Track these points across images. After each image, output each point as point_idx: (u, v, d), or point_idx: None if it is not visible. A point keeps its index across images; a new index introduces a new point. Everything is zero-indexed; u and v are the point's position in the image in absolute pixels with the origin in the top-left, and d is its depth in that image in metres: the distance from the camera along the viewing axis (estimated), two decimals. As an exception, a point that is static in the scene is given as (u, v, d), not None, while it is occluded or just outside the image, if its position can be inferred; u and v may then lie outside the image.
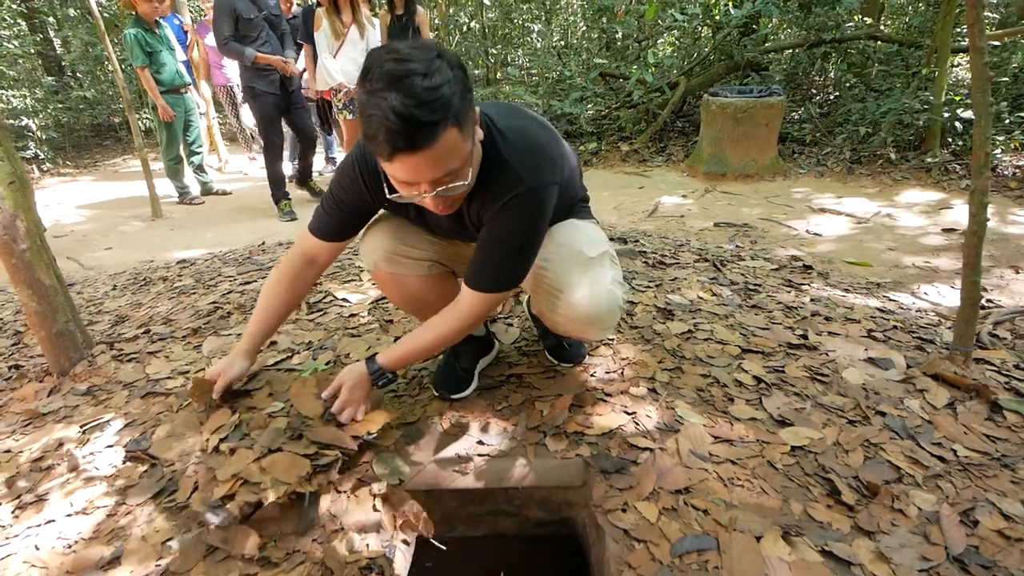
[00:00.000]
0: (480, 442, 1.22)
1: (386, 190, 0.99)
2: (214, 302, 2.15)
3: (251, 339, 1.26)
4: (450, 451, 1.20)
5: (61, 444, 1.26)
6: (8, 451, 1.26)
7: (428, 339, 1.14)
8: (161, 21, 4.14)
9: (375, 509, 1.05)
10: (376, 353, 1.17)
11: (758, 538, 0.96)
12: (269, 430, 1.11)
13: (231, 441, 1.11)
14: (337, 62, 3.98)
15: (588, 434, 1.23)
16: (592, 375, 1.45)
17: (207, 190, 4.68)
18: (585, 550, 1.18)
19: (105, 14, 4.41)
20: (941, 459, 1.17)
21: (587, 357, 1.51)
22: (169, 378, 1.53)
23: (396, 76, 0.78)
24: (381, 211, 1.23)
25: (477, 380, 1.41)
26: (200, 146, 4.61)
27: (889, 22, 7.17)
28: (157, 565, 0.95)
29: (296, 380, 1.30)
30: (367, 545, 0.98)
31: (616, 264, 1.23)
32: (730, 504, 1.03)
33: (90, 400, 1.45)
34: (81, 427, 1.32)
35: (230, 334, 1.80)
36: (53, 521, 1.05)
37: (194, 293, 2.35)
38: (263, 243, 3.29)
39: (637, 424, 1.26)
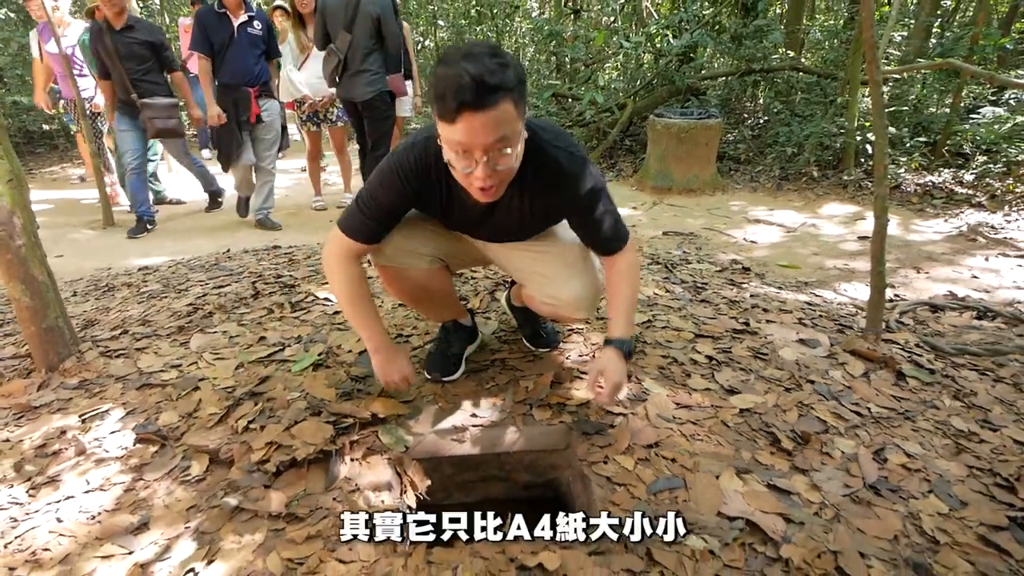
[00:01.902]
0: (473, 415, 1.36)
1: (440, 203, 1.17)
2: (191, 304, 2.17)
3: (381, 332, 1.31)
4: (447, 423, 1.33)
5: (63, 432, 1.30)
6: (7, 440, 1.28)
7: (633, 296, 1.30)
8: None
9: (386, 471, 1.17)
10: (611, 338, 1.27)
11: (717, 476, 1.15)
12: (291, 409, 1.22)
13: (259, 422, 1.20)
14: (302, 74, 4.05)
15: (569, 404, 1.39)
16: (567, 357, 1.62)
17: (160, 199, 4.57)
18: (569, 510, 1.33)
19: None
20: (858, 414, 1.41)
21: (561, 343, 1.68)
22: (162, 371, 1.57)
23: (470, 53, 0.94)
24: None
25: (465, 365, 1.55)
26: (155, 155, 4.51)
27: (810, 55, 7.94)
28: (187, 527, 1.02)
29: (307, 375, 1.40)
30: (382, 501, 1.09)
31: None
32: (693, 453, 1.22)
33: (83, 393, 1.47)
34: (80, 417, 1.36)
35: (216, 331, 1.84)
36: (72, 497, 1.10)
37: (165, 297, 2.36)
38: (228, 250, 3.28)
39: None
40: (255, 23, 3.63)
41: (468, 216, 1.25)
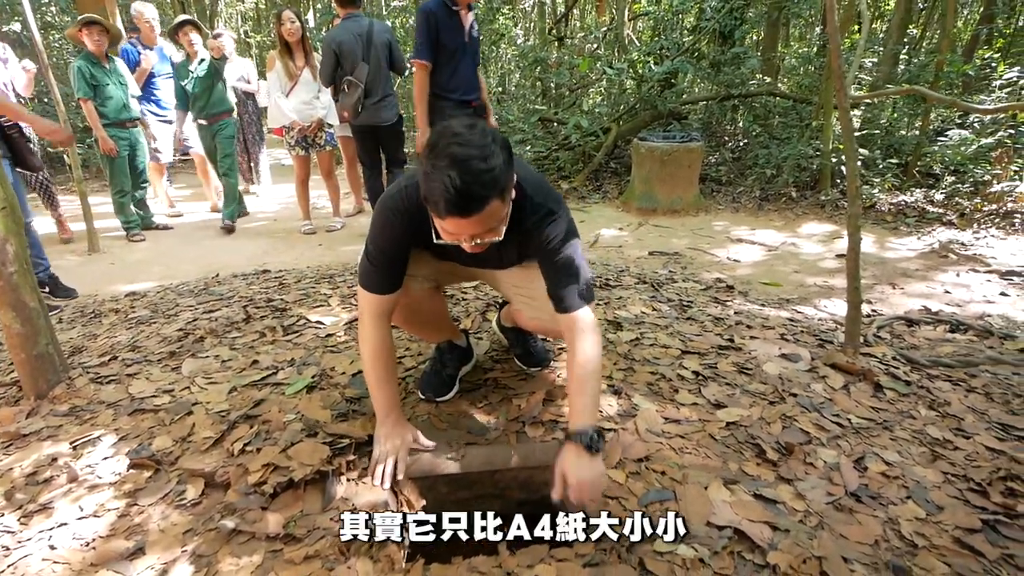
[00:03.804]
0: (468, 432, 1.38)
1: (433, 236, 1.14)
2: (181, 329, 2.17)
3: (396, 408, 1.31)
4: (442, 442, 1.35)
5: (54, 459, 1.29)
6: (-3, 468, 1.27)
7: (596, 374, 1.18)
8: (113, 56, 4.16)
9: (382, 490, 1.18)
10: (570, 432, 1.14)
11: (705, 488, 1.18)
12: (288, 430, 1.23)
13: (255, 444, 1.21)
14: (290, 102, 4.12)
15: (561, 421, 1.42)
16: (558, 376, 1.65)
17: (147, 224, 4.56)
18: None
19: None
20: (839, 425, 1.46)
21: (552, 362, 1.72)
22: (154, 396, 1.57)
23: (459, 158, 0.96)
24: None
25: (458, 385, 1.58)
26: (145, 182, 4.53)
27: (787, 79, 8.24)
28: (183, 550, 1.02)
29: (302, 397, 1.42)
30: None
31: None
32: (682, 466, 1.26)
33: (74, 420, 1.47)
34: (71, 443, 1.35)
35: (207, 355, 1.85)
36: (65, 524, 1.10)
37: (154, 323, 2.35)
38: (217, 275, 3.28)
39: (602, 412, 1.47)
40: (475, 26, 3.02)
41: (458, 253, 1.24)
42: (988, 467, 1.33)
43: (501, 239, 1.11)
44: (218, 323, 2.18)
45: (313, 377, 1.63)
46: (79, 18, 4.13)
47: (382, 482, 1.18)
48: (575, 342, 1.18)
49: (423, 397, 1.51)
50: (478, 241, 1.08)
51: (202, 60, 4.28)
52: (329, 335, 1.98)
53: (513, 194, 1.11)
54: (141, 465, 1.24)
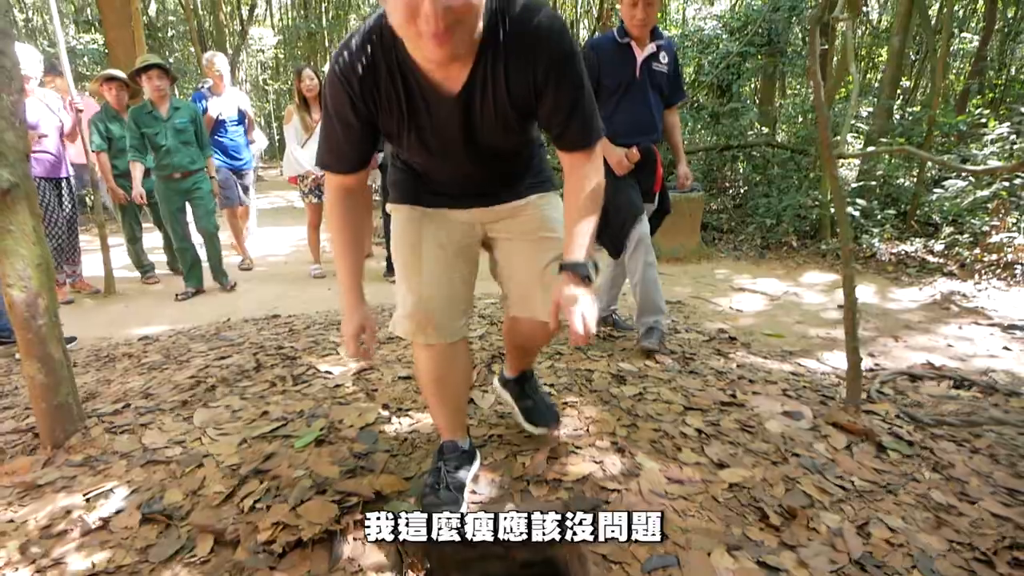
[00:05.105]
0: (473, 491, 1.40)
1: (380, 52, 0.97)
2: (192, 376, 2.22)
3: (354, 288, 1.25)
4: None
5: (68, 511, 1.32)
6: (11, 521, 1.29)
7: (598, 206, 1.13)
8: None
9: (387, 553, 1.20)
10: (569, 263, 1.10)
11: (708, 554, 1.19)
12: (297, 487, 1.26)
13: (265, 501, 1.23)
14: (306, 152, 4.30)
15: (565, 480, 1.44)
16: (562, 432, 1.68)
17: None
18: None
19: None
20: (842, 488, 1.47)
21: (559, 421, 1.74)
22: (166, 447, 1.60)
23: None
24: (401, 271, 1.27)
25: (467, 499, 1.36)
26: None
27: (786, 127, 8.49)
28: (192, 611, 1.04)
29: (311, 451, 1.45)
30: (385, 582, 1.12)
31: None
32: (685, 529, 1.27)
33: (88, 471, 1.50)
34: (85, 495, 1.38)
35: (219, 405, 1.89)
36: (78, 580, 1.11)
37: (166, 368, 2.40)
38: (228, 319, 3.35)
39: (604, 471, 1.48)
40: (662, 56, 2.44)
41: (442, 119, 1.07)
42: (993, 535, 1.33)
43: (477, 38, 0.92)
44: (229, 371, 2.23)
45: (322, 430, 1.66)
46: (98, 74, 4.37)
47: (359, 351, 1.22)
48: (586, 172, 1.12)
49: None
50: (446, 3, 0.83)
51: (176, 108, 3.78)
52: (337, 386, 2.02)
53: None
54: (153, 520, 1.26)
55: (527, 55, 1.00)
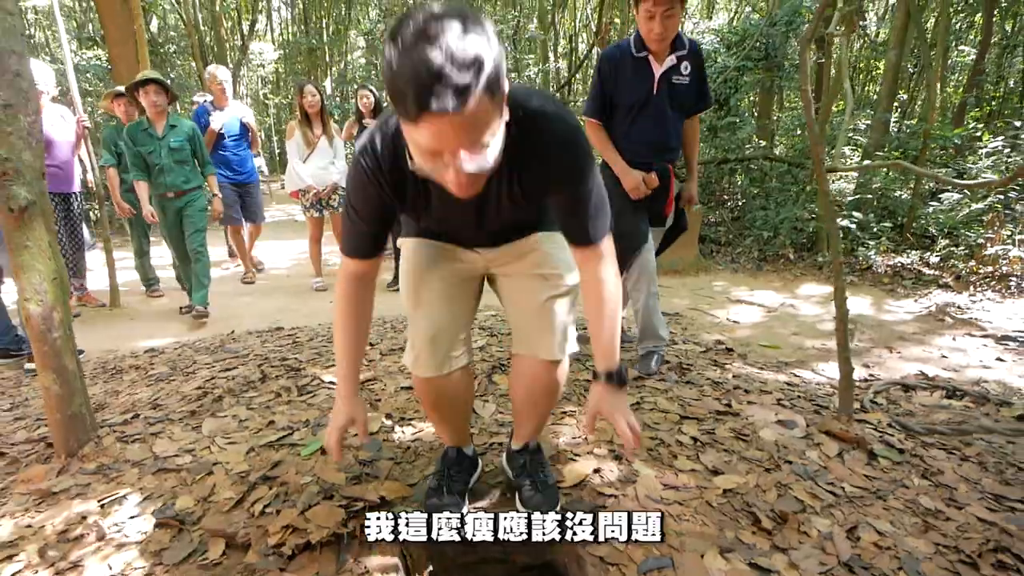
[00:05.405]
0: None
1: (408, 162, 0.94)
2: (199, 387, 2.27)
3: (351, 379, 1.26)
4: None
5: (84, 517, 1.36)
6: (29, 526, 1.34)
7: (619, 307, 1.17)
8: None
9: (393, 555, 1.24)
10: (605, 372, 1.17)
11: (702, 556, 1.23)
12: (305, 493, 1.31)
13: (274, 506, 1.28)
14: (307, 167, 4.39)
15: (563, 487, 1.48)
16: (561, 440, 1.72)
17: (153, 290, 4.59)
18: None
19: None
20: (833, 494, 1.51)
21: (554, 433, 1.79)
22: (176, 456, 1.65)
23: (432, 33, 0.74)
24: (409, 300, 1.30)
25: (469, 500, 1.43)
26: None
27: (785, 140, 8.60)
28: (205, 611, 1.08)
29: (318, 459, 1.50)
30: (390, 583, 1.16)
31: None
32: (679, 533, 1.31)
33: (101, 478, 1.54)
34: (99, 502, 1.42)
35: (226, 415, 1.94)
36: (95, 582, 1.16)
37: (173, 380, 2.45)
38: (232, 332, 3.40)
39: (602, 477, 1.53)
40: (684, 67, 2.26)
41: (456, 211, 1.10)
42: (979, 538, 1.37)
43: (493, 166, 0.87)
44: (235, 382, 2.28)
45: (327, 438, 1.71)
46: (108, 91, 4.47)
47: (337, 450, 1.20)
48: (599, 274, 1.14)
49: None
50: (467, 164, 0.83)
51: (172, 126, 3.67)
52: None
53: (506, 113, 0.89)
54: (166, 525, 1.31)
55: (542, 167, 1.04)
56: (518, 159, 1.01)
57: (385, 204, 1.09)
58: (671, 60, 2.20)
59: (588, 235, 1.12)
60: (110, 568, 1.19)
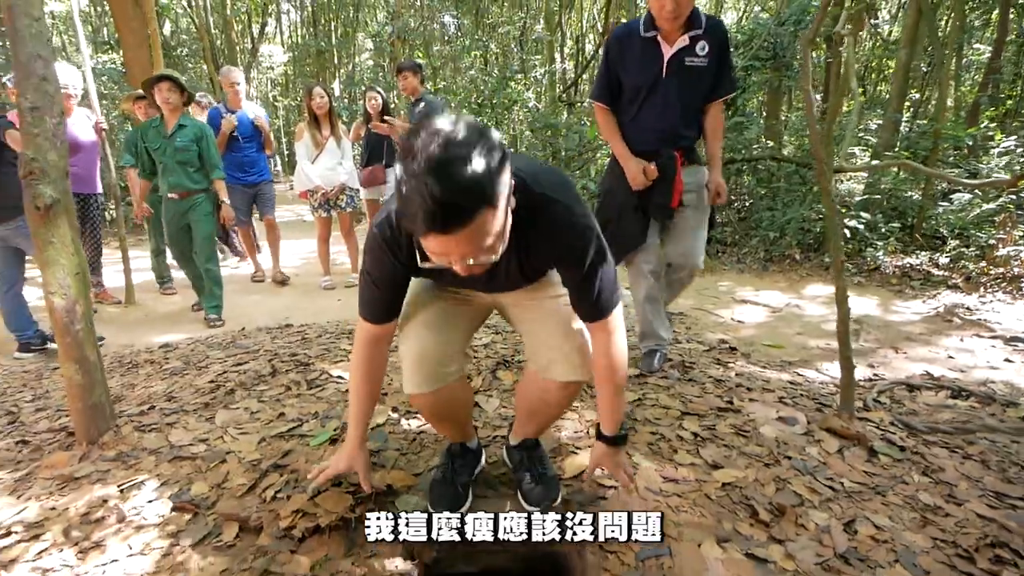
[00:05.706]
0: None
1: (418, 258, 1.02)
2: (212, 381, 2.33)
3: (359, 428, 1.33)
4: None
5: (104, 501, 1.42)
6: (54, 508, 1.40)
7: (625, 374, 1.24)
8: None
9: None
10: (608, 435, 1.31)
11: (699, 545, 1.26)
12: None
13: (285, 492, 1.34)
14: (316, 168, 4.46)
15: (564, 479, 1.52)
16: (562, 433, 1.76)
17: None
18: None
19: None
20: (832, 489, 1.53)
21: (557, 427, 1.82)
22: (191, 445, 1.71)
23: (438, 161, 0.80)
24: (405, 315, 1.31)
25: (472, 492, 1.46)
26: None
27: (794, 140, 8.56)
28: (220, 589, 1.13)
29: (327, 449, 1.54)
30: (396, 566, 1.21)
31: None
32: (678, 524, 1.34)
33: (120, 465, 1.60)
34: (119, 487, 1.48)
35: (238, 407, 1.99)
36: (116, 561, 1.21)
37: (187, 374, 2.52)
38: (243, 328, 3.47)
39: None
40: (699, 47, 2.06)
41: (467, 280, 1.14)
42: (977, 533, 1.38)
43: (498, 256, 0.95)
44: (247, 376, 2.34)
45: (335, 430, 1.76)
46: (128, 94, 4.57)
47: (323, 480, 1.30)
48: (607, 348, 1.20)
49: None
50: (472, 262, 0.92)
51: (181, 126, 3.59)
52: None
53: (512, 203, 0.96)
54: (182, 508, 1.36)
55: (549, 249, 1.13)
56: (525, 238, 1.08)
57: (399, 272, 1.16)
58: (683, 40, 2.01)
59: (595, 313, 1.18)
60: (130, 548, 1.25)
